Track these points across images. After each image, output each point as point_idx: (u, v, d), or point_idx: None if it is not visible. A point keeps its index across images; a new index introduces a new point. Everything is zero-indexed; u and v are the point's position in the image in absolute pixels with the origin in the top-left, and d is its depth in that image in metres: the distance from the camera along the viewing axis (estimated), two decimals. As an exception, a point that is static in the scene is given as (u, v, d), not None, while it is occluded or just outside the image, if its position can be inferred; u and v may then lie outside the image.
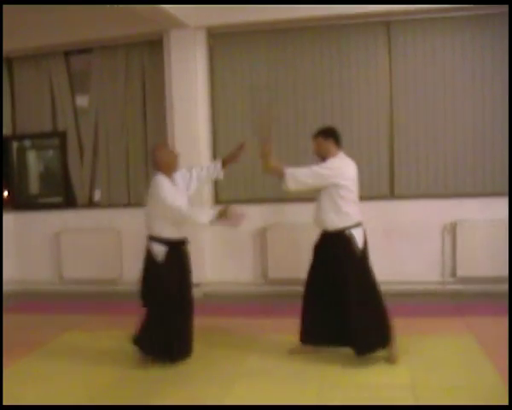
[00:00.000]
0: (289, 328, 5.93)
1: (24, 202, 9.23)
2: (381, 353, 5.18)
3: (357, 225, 5.21)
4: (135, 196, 8.74)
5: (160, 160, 5.33)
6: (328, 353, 5.45)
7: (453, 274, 7.75)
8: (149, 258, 5.29)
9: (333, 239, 5.21)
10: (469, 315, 6.64)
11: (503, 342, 5.55)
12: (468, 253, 7.66)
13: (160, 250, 5.20)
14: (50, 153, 9.44)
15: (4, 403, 4.26)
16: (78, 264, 8.75)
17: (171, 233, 5.21)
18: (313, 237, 7.51)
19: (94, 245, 8.72)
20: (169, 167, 5.31)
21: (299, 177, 5.13)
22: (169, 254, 5.22)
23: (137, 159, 8.71)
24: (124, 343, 5.96)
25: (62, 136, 9.00)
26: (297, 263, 7.97)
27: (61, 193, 9.11)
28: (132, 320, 6.97)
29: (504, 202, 7.56)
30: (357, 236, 5.18)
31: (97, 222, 8.84)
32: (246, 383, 4.89)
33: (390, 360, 5.14)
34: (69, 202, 9.06)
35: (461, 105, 7.76)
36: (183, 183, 5.42)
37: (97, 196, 9.10)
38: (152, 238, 5.26)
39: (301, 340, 5.43)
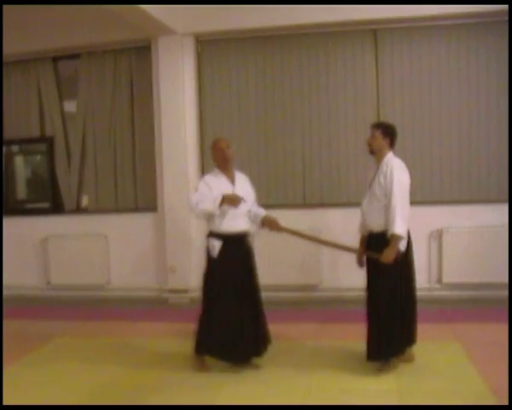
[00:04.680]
0: (278, 334, 5.96)
1: (11, 208, 9.17)
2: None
3: None
4: (123, 202, 8.74)
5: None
6: (317, 358, 5.50)
7: (439, 281, 7.80)
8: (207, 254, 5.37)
9: (376, 240, 5.11)
10: (455, 321, 6.69)
11: (489, 348, 5.64)
12: (454, 259, 7.70)
13: (214, 245, 5.26)
14: (38, 158, 9.40)
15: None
16: (66, 270, 8.72)
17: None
18: (300, 242, 7.56)
19: (81, 251, 8.70)
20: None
21: (405, 217, 4.94)
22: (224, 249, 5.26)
23: (125, 164, 8.69)
24: (111, 349, 5.99)
25: (50, 141, 8.98)
26: (284, 269, 8.02)
27: (49, 198, 9.07)
28: (120, 326, 6.99)
29: (490, 208, 7.66)
30: None
31: (85, 228, 8.82)
32: (233, 388, 4.92)
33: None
34: (57, 207, 9.03)
35: (447, 112, 7.81)
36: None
37: (85, 201, 9.07)
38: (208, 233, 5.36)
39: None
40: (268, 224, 5.47)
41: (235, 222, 5.26)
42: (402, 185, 4.96)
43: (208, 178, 5.39)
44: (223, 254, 5.22)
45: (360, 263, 5.39)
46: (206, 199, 5.13)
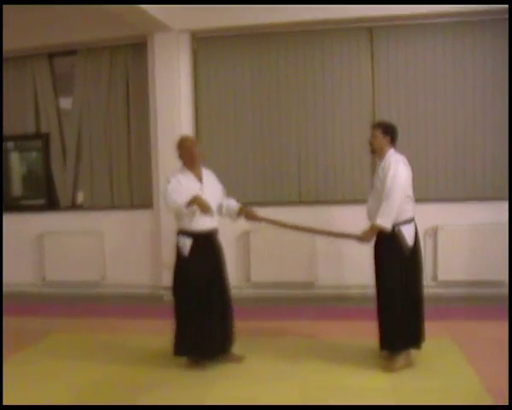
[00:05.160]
0: (274, 330, 5.95)
1: (7, 204, 9.15)
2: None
3: (408, 221, 5.12)
4: (118, 198, 8.75)
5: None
6: (312, 355, 5.50)
7: (434, 278, 7.80)
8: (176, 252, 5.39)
9: (382, 236, 5.11)
10: (450, 319, 6.70)
11: (485, 345, 5.64)
12: (449, 257, 7.73)
13: (185, 243, 5.28)
14: (33, 155, 9.40)
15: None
16: (61, 266, 8.71)
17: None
18: (295, 240, 7.57)
19: (77, 247, 8.69)
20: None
21: (391, 213, 4.98)
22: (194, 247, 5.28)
23: (121, 161, 8.70)
24: (105, 346, 5.98)
25: (45, 138, 8.97)
26: (280, 266, 8.02)
27: (44, 195, 9.07)
28: (114, 323, 6.98)
29: (485, 206, 7.69)
30: (406, 233, 5.09)
31: (80, 224, 8.82)
32: (227, 385, 4.93)
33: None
34: (52, 204, 9.03)
35: (442, 110, 7.83)
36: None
37: (80, 198, 9.08)
38: (178, 232, 5.37)
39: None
40: (245, 214, 5.51)
41: (205, 220, 5.27)
42: (394, 180, 4.96)
43: (178, 176, 5.32)
44: (193, 252, 5.25)
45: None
46: (179, 193, 5.12)
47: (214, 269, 5.37)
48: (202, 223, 5.25)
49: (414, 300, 5.13)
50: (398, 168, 5.01)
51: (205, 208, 5.09)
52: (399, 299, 5.06)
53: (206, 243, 5.32)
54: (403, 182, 5.00)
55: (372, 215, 5.18)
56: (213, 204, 5.31)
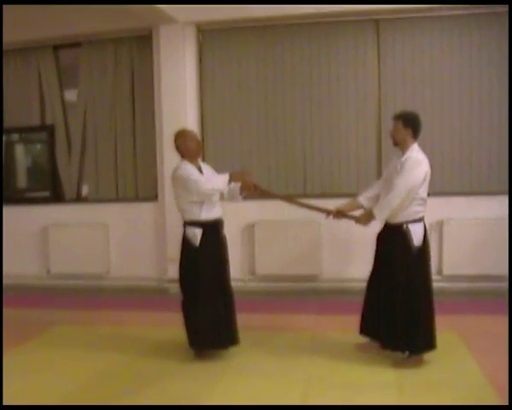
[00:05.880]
0: (278, 324, 5.93)
1: (11, 196, 9.17)
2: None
3: (418, 220, 5.04)
4: (123, 191, 8.74)
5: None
6: (317, 349, 5.49)
7: (439, 272, 7.79)
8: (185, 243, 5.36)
9: (390, 231, 5.11)
10: (455, 313, 6.68)
11: (488, 340, 5.62)
12: (454, 251, 7.71)
13: (195, 234, 5.26)
14: (38, 147, 9.40)
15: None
16: (66, 259, 8.73)
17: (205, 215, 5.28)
18: (300, 233, 7.55)
19: (81, 240, 8.71)
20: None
21: (388, 209, 4.95)
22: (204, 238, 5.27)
23: (126, 154, 8.70)
24: (110, 338, 5.97)
25: (50, 130, 8.97)
26: (284, 259, 8.02)
27: (49, 187, 9.08)
28: (119, 316, 6.98)
29: (491, 200, 7.67)
30: (415, 231, 5.01)
31: (85, 217, 8.82)
32: (230, 380, 4.88)
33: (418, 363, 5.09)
34: (57, 196, 9.04)
35: (448, 104, 7.80)
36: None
37: (85, 190, 9.09)
38: (186, 223, 5.34)
39: (360, 332, 5.45)
40: (246, 188, 5.35)
41: (213, 209, 5.30)
42: (407, 179, 4.86)
43: (188, 166, 5.27)
44: (203, 242, 5.24)
45: (335, 215, 5.46)
46: (208, 180, 5.14)
47: (221, 258, 5.40)
48: (210, 213, 5.25)
49: (419, 301, 5.05)
50: (415, 171, 4.91)
51: (248, 185, 5.27)
52: (401, 298, 4.99)
53: (213, 233, 5.33)
54: (415, 186, 4.90)
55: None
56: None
